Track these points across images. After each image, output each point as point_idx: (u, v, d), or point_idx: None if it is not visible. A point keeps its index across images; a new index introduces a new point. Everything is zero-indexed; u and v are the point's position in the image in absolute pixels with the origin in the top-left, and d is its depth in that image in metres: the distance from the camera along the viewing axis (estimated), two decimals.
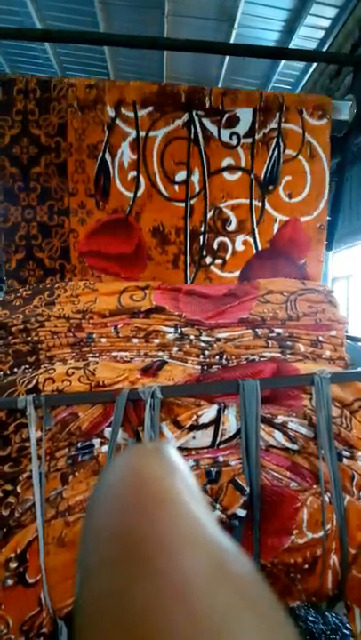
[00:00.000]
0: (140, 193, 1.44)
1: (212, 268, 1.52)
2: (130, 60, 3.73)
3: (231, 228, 1.51)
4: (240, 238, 1.51)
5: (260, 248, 1.53)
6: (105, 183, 1.42)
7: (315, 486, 1.00)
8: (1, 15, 3.21)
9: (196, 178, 1.47)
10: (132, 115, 1.42)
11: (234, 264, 1.53)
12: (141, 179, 1.44)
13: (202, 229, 1.49)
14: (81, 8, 3.09)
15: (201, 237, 1.50)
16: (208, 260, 1.51)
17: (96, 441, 1.01)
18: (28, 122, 1.38)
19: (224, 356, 1.26)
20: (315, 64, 3.45)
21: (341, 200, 1.71)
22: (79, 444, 1.01)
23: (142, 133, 1.43)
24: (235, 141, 1.47)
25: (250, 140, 1.47)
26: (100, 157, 1.41)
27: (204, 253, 1.51)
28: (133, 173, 1.43)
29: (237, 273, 1.53)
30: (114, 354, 1.25)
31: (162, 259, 1.49)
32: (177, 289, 1.41)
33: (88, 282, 1.42)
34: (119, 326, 1.27)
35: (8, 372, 1.18)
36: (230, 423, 1.02)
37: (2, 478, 0.96)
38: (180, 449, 1.01)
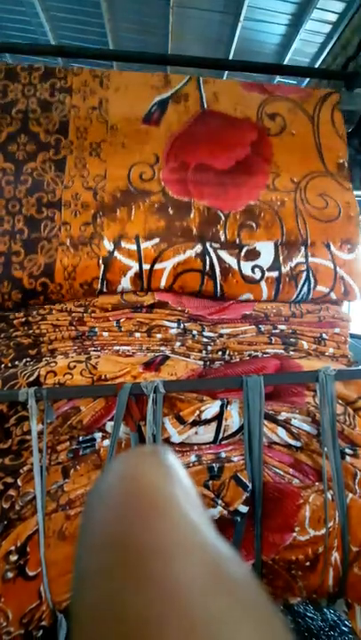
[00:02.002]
0: None
1: None
2: (134, 49, 3.69)
3: None
4: None
5: None
6: None
7: (317, 483, 0.99)
8: (1, 5, 3.17)
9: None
10: (134, 247, 1.22)
11: None
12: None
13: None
14: None
15: None
16: None
17: (98, 435, 1.00)
18: (11, 263, 1.21)
19: (227, 352, 1.25)
20: (320, 60, 3.42)
21: None
22: (80, 438, 1.00)
23: (146, 266, 1.23)
24: (258, 275, 1.27)
25: (276, 274, 1.27)
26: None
27: None
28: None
29: None
30: (116, 348, 1.23)
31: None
32: None
33: None
34: (121, 320, 1.26)
35: (9, 365, 1.17)
36: (233, 419, 1.01)
37: (3, 471, 0.96)
38: (183, 444, 1.00)
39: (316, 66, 3.56)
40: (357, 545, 0.95)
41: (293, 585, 0.98)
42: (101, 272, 1.21)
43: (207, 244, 1.25)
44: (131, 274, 1.22)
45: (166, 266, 1.23)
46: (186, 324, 1.28)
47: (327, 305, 1.37)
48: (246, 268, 1.26)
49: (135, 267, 1.22)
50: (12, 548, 0.88)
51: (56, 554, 0.89)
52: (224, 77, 3.57)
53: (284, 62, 3.54)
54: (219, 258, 1.25)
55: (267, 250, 1.28)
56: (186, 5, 3.02)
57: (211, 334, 1.27)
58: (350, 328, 1.42)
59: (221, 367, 1.18)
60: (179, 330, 1.27)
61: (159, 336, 1.26)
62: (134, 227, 1.25)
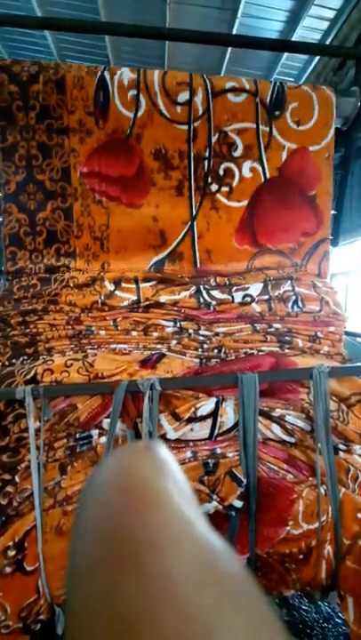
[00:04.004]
0: (140, 113, 1.35)
1: (219, 196, 1.44)
2: (131, 47, 3.67)
3: (237, 153, 1.42)
4: (247, 165, 1.43)
5: (268, 176, 1.45)
6: (104, 100, 1.34)
7: (311, 479, 1.01)
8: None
9: (199, 99, 1.37)
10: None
11: (241, 192, 1.44)
12: (141, 97, 1.35)
13: (206, 154, 1.41)
14: None
15: (206, 162, 1.41)
16: (214, 187, 1.43)
17: (94, 432, 1.01)
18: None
19: (223, 350, 1.26)
20: (318, 56, 3.41)
21: (346, 193, 1.68)
22: (77, 435, 1.01)
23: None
24: (249, 299, 1.37)
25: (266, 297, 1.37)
26: (98, 75, 1.32)
27: (210, 180, 1.42)
28: (133, 92, 1.34)
29: (245, 202, 1.45)
30: (112, 346, 1.24)
31: (165, 184, 1.41)
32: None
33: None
34: (118, 320, 1.27)
35: (6, 363, 1.18)
36: (228, 416, 1.02)
37: (0, 468, 0.96)
38: (179, 441, 1.01)
39: (314, 63, 3.55)
40: (350, 538, 0.97)
41: (287, 578, 1.00)
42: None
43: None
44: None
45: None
46: (182, 323, 1.29)
47: (323, 304, 1.38)
48: (238, 297, 1.35)
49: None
50: (10, 543, 0.90)
51: (53, 549, 0.91)
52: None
53: (282, 59, 3.53)
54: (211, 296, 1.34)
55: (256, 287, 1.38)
56: (183, 2, 3.00)
57: (207, 333, 1.28)
58: (346, 327, 1.43)
59: (217, 365, 1.20)
60: (175, 328, 1.28)
61: (155, 334, 1.27)
62: None
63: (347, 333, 1.47)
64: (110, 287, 1.29)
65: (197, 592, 0.16)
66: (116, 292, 1.29)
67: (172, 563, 0.17)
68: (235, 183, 1.44)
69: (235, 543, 0.96)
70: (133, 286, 1.31)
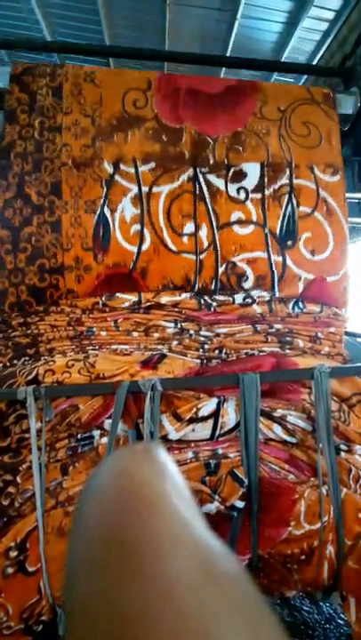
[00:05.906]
0: (145, 247, 1.28)
1: None
2: (130, 45, 3.67)
3: (248, 284, 1.34)
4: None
5: None
6: (104, 236, 1.27)
7: (312, 479, 1.01)
8: None
9: (204, 233, 1.32)
10: (132, 170, 1.31)
11: None
12: (146, 232, 1.29)
13: (212, 287, 1.33)
14: None
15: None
16: None
17: (96, 432, 1.01)
18: (24, 182, 1.27)
19: (223, 350, 1.26)
20: (317, 57, 3.42)
21: None
22: (79, 436, 1.01)
23: (145, 189, 1.31)
24: (242, 196, 1.35)
25: (259, 196, 1.35)
26: (98, 212, 1.28)
27: None
28: (137, 227, 1.30)
29: None
30: (114, 347, 1.24)
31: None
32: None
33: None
34: (119, 320, 1.27)
35: (8, 364, 1.18)
36: (230, 416, 1.02)
37: (2, 468, 0.96)
38: (180, 441, 1.01)
39: (317, 59, 3.56)
40: (351, 538, 0.97)
41: (289, 578, 1.00)
42: (104, 192, 1.28)
43: (197, 170, 1.34)
44: (131, 195, 1.31)
45: (163, 190, 1.33)
46: (183, 324, 1.29)
47: (323, 306, 1.38)
48: (232, 189, 1.36)
49: (135, 189, 1.31)
50: (12, 544, 0.90)
51: (55, 550, 0.91)
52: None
53: (281, 60, 3.53)
54: (207, 182, 1.34)
55: (252, 171, 1.37)
56: (183, 3, 3.01)
57: (208, 333, 1.28)
58: (346, 327, 1.43)
59: (218, 365, 1.20)
60: (176, 329, 1.28)
61: (156, 335, 1.27)
62: (131, 148, 1.33)
63: (347, 334, 1.48)
64: (110, 170, 1.27)
65: (196, 593, 0.16)
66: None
67: (172, 565, 0.17)
68: None
69: (237, 544, 0.96)
70: (132, 170, 1.29)
